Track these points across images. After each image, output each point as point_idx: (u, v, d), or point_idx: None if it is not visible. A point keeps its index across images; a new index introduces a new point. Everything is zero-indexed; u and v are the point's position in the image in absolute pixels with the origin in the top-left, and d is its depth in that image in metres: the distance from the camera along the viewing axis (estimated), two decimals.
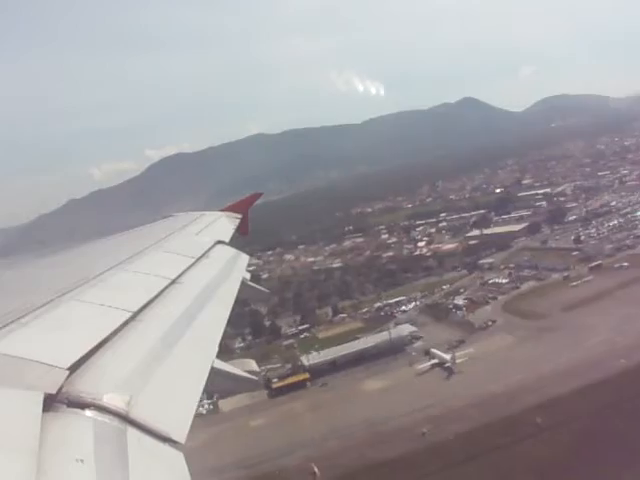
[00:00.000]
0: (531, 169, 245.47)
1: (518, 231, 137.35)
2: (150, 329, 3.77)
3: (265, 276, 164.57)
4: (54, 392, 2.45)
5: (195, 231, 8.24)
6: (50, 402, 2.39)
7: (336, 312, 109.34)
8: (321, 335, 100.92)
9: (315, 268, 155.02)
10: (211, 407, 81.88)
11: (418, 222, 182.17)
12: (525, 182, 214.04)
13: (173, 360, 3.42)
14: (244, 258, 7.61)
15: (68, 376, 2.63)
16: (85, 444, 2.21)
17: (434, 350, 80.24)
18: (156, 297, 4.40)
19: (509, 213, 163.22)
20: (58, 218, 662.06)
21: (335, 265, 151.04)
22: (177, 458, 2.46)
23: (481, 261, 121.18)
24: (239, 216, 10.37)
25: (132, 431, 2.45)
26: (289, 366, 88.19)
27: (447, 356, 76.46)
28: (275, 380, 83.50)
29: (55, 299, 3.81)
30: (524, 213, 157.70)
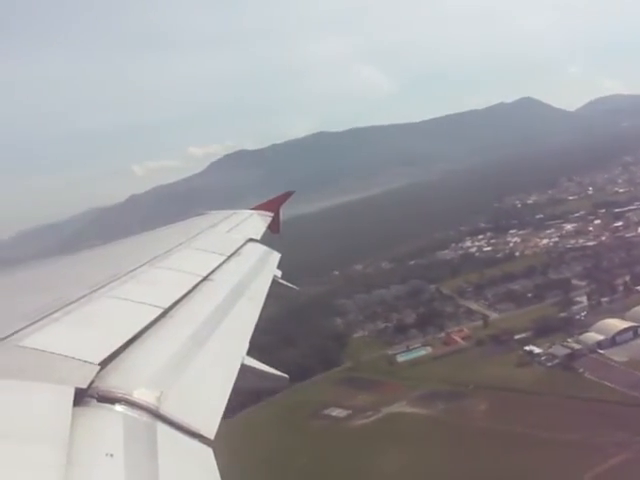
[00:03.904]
0: None
1: None
2: (181, 326, 3.86)
3: (517, 253, 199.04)
4: (85, 387, 2.51)
5: (226, 229, 8.44)
6: (81, 397, 2.44)
7: None
8: None
9: (568, 246, 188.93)
10: None
11: (616, 210, 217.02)
12: None
13: (204, 357, 3.52)
14: (275, 256, 7.82)
15: (99, 371, 2.69)
16: (115, 439, 2.25)
17: None
18: (187, 294, 4.51)
19: None
20: (120, 213, 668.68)
21: (589, 244, 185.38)
22: (206, 454, 2.50)
23: None
24: (270, 214, 10.51)
25: (162, 427, 2.50)
26: None
27: None
28: None
29: (87, 295, 3.89)
30: None
